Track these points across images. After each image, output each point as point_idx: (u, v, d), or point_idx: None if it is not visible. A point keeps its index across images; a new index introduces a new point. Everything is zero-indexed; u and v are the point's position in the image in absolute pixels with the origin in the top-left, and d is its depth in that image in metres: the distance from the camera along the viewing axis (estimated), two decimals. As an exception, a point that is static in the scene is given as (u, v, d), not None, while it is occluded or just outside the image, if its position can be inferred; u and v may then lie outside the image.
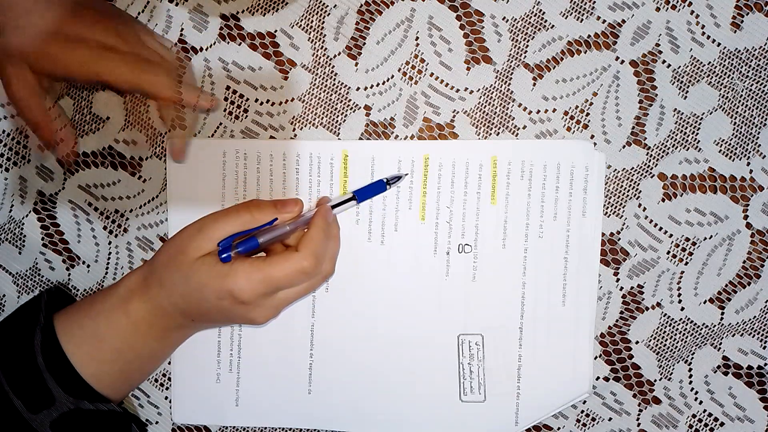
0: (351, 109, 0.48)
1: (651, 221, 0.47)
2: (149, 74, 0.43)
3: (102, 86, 0.48)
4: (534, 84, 0.47)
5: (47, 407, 0.41)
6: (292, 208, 0.44)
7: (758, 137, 0.47)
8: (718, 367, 0.48)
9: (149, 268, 0.44)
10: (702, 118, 0.47)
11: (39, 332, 0.42)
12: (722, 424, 0.48)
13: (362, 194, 0.46)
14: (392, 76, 0.47)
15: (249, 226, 0.43)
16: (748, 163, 0.47)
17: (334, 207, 0.45)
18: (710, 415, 0.48)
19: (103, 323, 0.43)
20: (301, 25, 0.47)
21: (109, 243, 0.50)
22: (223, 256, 0.42)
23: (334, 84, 0.48)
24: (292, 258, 0.42)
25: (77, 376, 0.42)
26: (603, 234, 0.48)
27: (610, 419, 0.49)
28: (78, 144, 0.48)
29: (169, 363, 0.49)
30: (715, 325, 0.48)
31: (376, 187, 0.46)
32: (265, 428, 0.50)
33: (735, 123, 0.47)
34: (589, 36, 0.46)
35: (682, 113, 0.47)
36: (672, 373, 0.48)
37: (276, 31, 0.47)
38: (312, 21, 0.47)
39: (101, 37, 0.42)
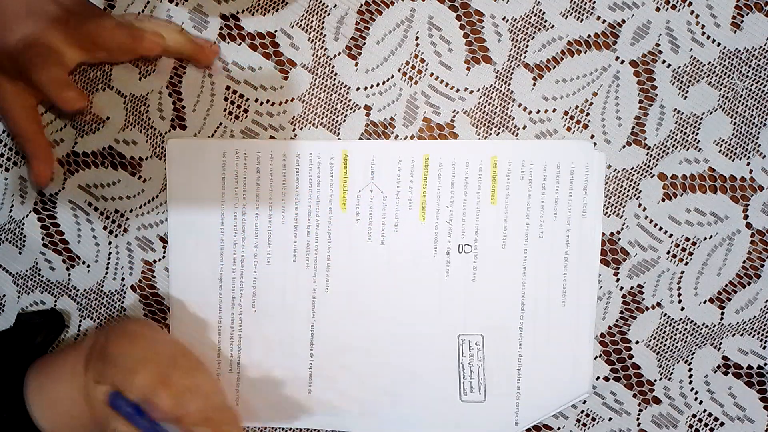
0: (351, 109, 0.48)
1: (651, 221, 0.47)
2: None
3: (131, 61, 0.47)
4: (534, 84, 0.47)
5: None
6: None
7: (758, 137, 0.47)
8: (718, 367, 0.48)
9: (95, 340, 0.43)
10: (702, 118, 0.47)
11: (7, 390, 0.41)
12: (722, 424, 0.48)
13: None
14: (392, 76, 0.47)
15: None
16: (748, 163, 0.47)
17: None
18: (710, 415, 0.48)
19: (55, 389, 0.42)
20: (301, 25, 0.47)
21: (109, 243, 0.50)
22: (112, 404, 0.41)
23: (334, 84, 0.48)
24: None
25: None
26: (603, 234, 0.48)
27: (610, 419, 0.49)
28: (54, 171, 0.48)
29: (169, 363, 0.49)
30: (715, 325, 0.48)
31: None
32: (265, 428, 0.50)
33: (735, 123, 0.47)
34: (589, 36, 0.46)
35: (682, 113, 0.47)
36: (672, 373, 0.48)
37: (276, 31, 0.47)
38: (312, 21, 0.47)
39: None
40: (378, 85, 0.47)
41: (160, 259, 0.49)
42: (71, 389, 0.42)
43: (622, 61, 0.46)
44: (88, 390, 0.41)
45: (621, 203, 0.47)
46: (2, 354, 0.45)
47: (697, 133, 0.47)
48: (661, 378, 0.48)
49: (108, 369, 0.41)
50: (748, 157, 0.47)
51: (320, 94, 0.48)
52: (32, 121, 0.45)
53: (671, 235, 0.47)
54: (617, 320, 0.48)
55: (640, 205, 0.47)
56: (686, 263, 0.48)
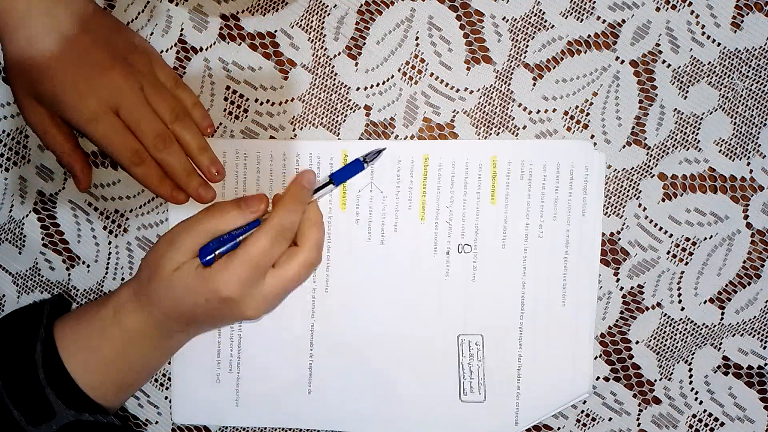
0: (351, 109, 0.48)
1: (651, 221, 0.47)
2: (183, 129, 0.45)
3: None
4: (534, 84, 0.47)
5: (48, 420, 0.41)
6: (257, 207, 0.44)
7: (758, 137, 0.47)
8: (718, 367, 0.48)
9: (137, 282, 0.44)
10: (702, 118, 0.47)
11: (40, 345, 0.42)
12: (722, 424, 0.48)
13: (340, 177, 0.46)
14: (392, 76, 0.47)
15: (216, 231, 0.43)
16: (748, 163, 0.47)
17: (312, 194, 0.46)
18: (710, 415, 0.48)
19: (97, 336, 0.43)
20: (301, 25, 0.47)
21: (109, 243, 0.50)
22: (206, 259, 0.42)
23: (334, 84, 0.48)
24: (259, 232, 0.43)
25: (77, 389, 0.42)
26: (603, 234, 0.48)
27: (610, 419, 0.49)
28: (91, 177, 0.48)
29: (169, 363, 0.49)
30: (715, 325, 0.48)
31: (354, 167, 0.46)
32: (265, 428, 0.50)
33: (735, 123, 0.47)
34: (589, 36, 0.46)
35: (682, 113, 0.47)
36: (672, 373, 0.48)
37: (276, 31, 0.47)
38: (312, 21, 0.47)
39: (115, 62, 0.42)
40: (378, 85, 0.47)
41: (160, 259, 0.49)
42: (116, 332, 0.43)
43: (622, 61, 0.46)
44: (170, 289, 0.42)
45: (621, 203, 0.47)
46: (16, 324, 0.45)
47: (697, 133, 0.47)
48: (661, 378, 0.48)
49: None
50: (748, 157, 0.47)
51: (320, 94, 0.48)
52: (68, 138, 0.46)
53: (671, 235, 0.47)
54: (617, 320, 0.48)
55: (640, 205, 0.47)
56: (686, 263, 0.47)
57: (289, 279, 0.43)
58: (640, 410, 0.49)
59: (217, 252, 0.43)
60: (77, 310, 0.46)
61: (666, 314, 0.48)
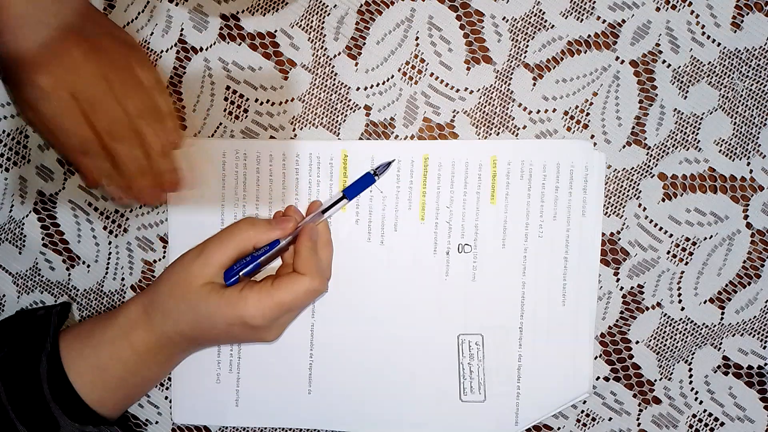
0: (351, 109, 0.48)
1: (651, 221, 0.47)
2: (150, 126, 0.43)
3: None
4: (534, 84, 0.47)
5: None
6: (286, 226, 0.44)
7: (758, 137, 0.47)
8: (718, 367, 0.48)
9: (149, 297, 0.44)
10: (702, 118, 0.47)
11: (45, 360, 0.42)
12: (722, 424, 0.48)
13: (352, 191, 0.46)
14: (392, 76, 0.47)
15: (247, 246, 0.43)
16: (748, 163, 0.47)
17: (325, 211, 0.46)
18: (710, 415, 0.48)
19: (105, 354, 0.43)
20: (301, 25, 0.47)
21: (109, 243, 0.50)
22: (231, 281, 0.43)
23: (334, 84, 0.48)
24: (301, 281, 0.42)
25: (82, 403, 0.42)
26: (603, 234, 0.48)
27: (610, 419, 0.49)
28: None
29: (169, 363, 0.49)
30: (715, 325, 0.48)
31: (365, 181, 0.46)
32: (265, 428, 0.50)
33: (735, 123, 0.47)
34: (589, 36, 0.46)
35: (682, 113, 0.47)
36: (672, 373, 0.48)
37: (276, 31, 0.47)
38: (312, 21, 0.47)
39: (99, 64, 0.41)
40: (378, 85, 0.47)
41: (160, 259, 0.49)
42: (125, 353, 0.43)
43: (622, 61, 0.46)
44: (193, 309, 0.42)
45: (621, 203, 0.47)
46: (22, 335, 0.44)
47: (697, 133, 0.47)
48: (661, 378, 0.48)
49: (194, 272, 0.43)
50: (748, 157, 0.47)
51: (320, 94, 0.48)
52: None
53: (671, 235, 0.47)
54: (617, 320, 0.48)
55: (640, 205, 0.47)
56: (686, 263, 0.47)
57: (307, 305, 0.46)
58: (640, 410, 0.49)
59: (241, 273, 0.43)
60: (84, 325, 0.45)
61: (666, 314, 0.48)
